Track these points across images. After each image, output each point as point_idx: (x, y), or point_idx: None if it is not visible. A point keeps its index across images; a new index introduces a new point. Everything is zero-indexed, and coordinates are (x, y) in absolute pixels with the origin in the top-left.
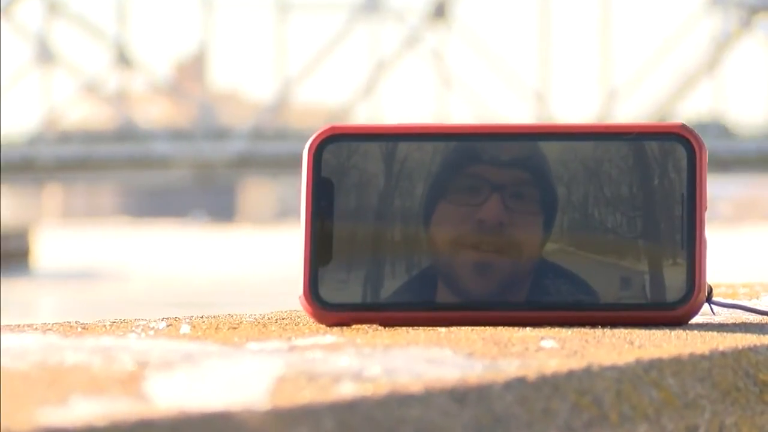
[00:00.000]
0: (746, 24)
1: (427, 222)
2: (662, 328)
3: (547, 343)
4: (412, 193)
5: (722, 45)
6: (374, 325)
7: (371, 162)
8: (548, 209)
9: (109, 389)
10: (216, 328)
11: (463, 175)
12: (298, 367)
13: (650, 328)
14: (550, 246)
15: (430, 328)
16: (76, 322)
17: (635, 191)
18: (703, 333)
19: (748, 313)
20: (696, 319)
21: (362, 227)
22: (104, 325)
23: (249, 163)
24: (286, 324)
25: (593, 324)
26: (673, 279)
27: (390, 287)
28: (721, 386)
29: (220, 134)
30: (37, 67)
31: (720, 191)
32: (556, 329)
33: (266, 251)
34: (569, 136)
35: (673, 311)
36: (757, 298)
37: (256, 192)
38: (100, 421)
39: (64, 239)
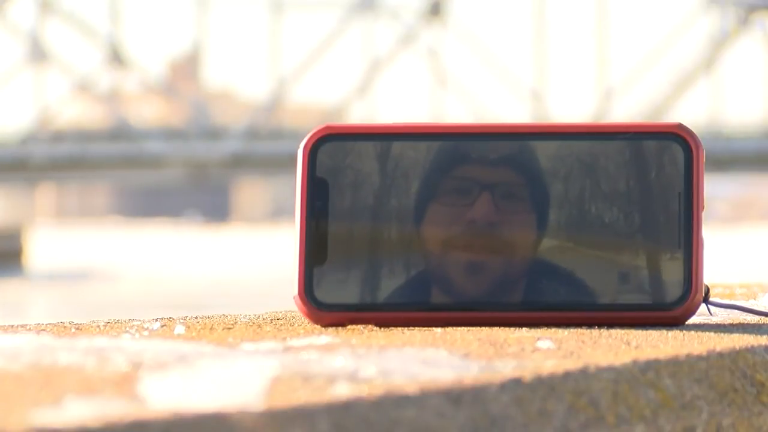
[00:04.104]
0: (744, 22)
1: (421, 223)
2: (659, 329)
3: (544, 344)
4: (407, 193)
5: (719, 44)
6: (369, 326)
7: (366, 162)
8: (541, 208)
9: (102, 390)
10: (210, 329)
11: (453, 176)
12: (292, 368)
13: (647, 329)
14: (544, 246)
15: (426, 328)
16: (69, 323)
17: (632, 191)
18: (700, 334)
19: (745, 314)
20: (693, 320)
21: (357, 227)
22: (98, 326)
23: (243, 162)
24: (281, 324)
25: (590, 324)
26: (670, 279)
27: (385, 287)
28: (718, 387)
29: (214, 134)
30: (29, 66)
31: (717, 191)
32: (553, 330)
33: (260, 251)
34: (566, 136)
35: (670, 312)
36: (755, 299)
37: (251, 192)
38: (93, 422)
39: (57, 239)
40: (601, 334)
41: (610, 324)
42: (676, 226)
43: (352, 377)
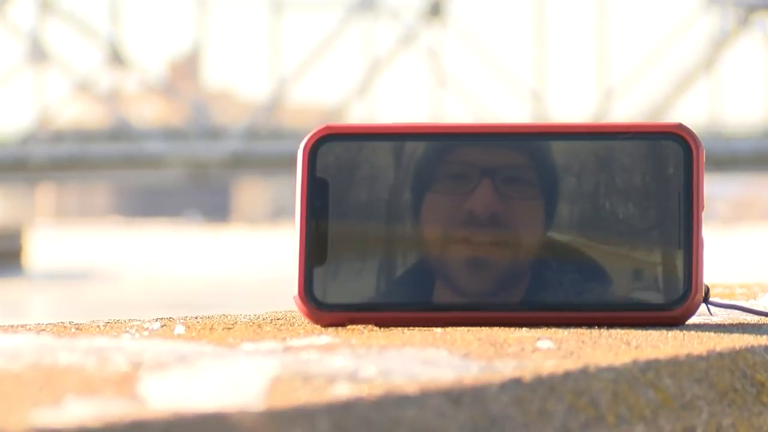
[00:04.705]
0: (744, 22)
1: (419, 217)
2: (659, 329)
3: (544, 344)
4: (408, 193)
5: (719, 44)
6: (369, 326)
7: (366, 161)
8: (548, 195)
9: (102, 390)
10: (210, 329)
11: (449, 161)
12: (292, 368)
13: (647, 329)
14: (544, 246)
15: (426, 328)
16: (69, 323)
17: (631, 191)
18: (700, 333)
19: (745, 314)
20: (693, 320)
21: (357, 227)
22: (98, 326)
23: (243, 162)
24: (281, 324)
25: (590, 324)
26: (670, 279)
27: (386, 287)
28: (718, 387)
29: (214, 134)
30: (29, 66)
31: (717, 191)
32: (553, 330)
33: (260, 251)
34: (566, 136)
35: (670, 311)
36: (755, 299)
37: (251, 192)
38: (93, 422)
39: (57, 239)
40: (601, 334)
41: (610, 324)
42: (676, 226)
43: (352, 377)
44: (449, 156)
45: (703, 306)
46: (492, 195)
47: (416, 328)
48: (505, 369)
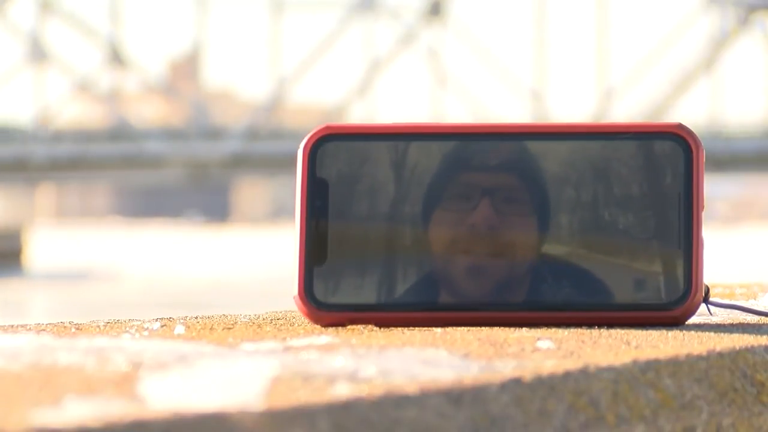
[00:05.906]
0: (744, 22)
1: (423, 224)
2: (659, 329)
3: (544, 344)
4: (408, 193)
5: (720, 43)
6: (369, 326)
7: (366, 162)
8: (541, 211)
9: (102, 390)
10: (210, 329)
11: (455, 182)
12: (293, 368)
13: (647, 329)
14: (545, 248)
15: (426, 328)
16: (69, 323)
17: (631, 191)
18: (700, 333)
19: (745, 314)
20: (693, 320)
21: (357, 227)
22: (98, 326)
23: (243, 162)
24: (281, 324)
25: (590, 325)
26: (670, 279)
27: (385, 287)
28: (718, 387)
29: (214, 134)
30: (29, 66)
31: (717, 191)
32: (553, 330)
33: (260, 251)
34: (566, 136)
35: (670, 312)
36: (755, 299)
37: (251, 192)
38: (93, 422)
39: (58, 239)
40: (601, 334)
41: (610, 324)
42: (676, 226)
43: (352, 377)
44: (455, 177)
45: (703, 306)
46: (490, 211)
47: (416, 328)
48: (505, 369)
